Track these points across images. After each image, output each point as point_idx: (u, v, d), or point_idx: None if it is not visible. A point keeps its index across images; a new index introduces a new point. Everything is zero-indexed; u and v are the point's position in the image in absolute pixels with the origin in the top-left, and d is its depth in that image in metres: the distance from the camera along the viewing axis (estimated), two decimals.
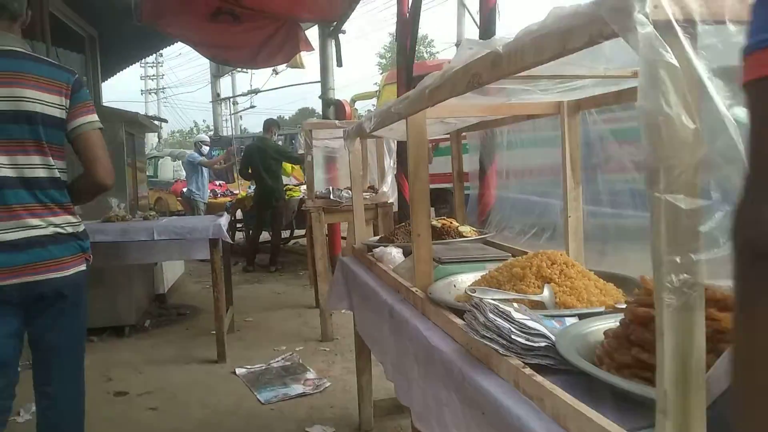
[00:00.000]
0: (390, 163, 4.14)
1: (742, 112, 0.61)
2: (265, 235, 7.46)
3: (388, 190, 4.15)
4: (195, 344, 4.10)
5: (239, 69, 15.90)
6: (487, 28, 2.63)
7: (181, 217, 5.23)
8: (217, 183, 10.70)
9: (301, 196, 7.66)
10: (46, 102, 1.82)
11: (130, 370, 3.59)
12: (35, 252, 1.80)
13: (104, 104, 6.58)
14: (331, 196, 4.46)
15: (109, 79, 8.32)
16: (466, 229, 2.36)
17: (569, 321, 1.18)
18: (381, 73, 32.53)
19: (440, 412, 1.27)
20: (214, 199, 9.24)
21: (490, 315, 1.07)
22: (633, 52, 0.89)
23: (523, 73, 1.00)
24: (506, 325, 1.05)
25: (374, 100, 19.91)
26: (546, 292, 1.30)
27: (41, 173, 1.84)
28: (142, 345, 4.15)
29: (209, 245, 3.69)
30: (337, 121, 4.53)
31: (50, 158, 1.85)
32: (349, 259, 2.62)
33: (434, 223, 2.42)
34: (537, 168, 2.63)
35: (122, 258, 3.95)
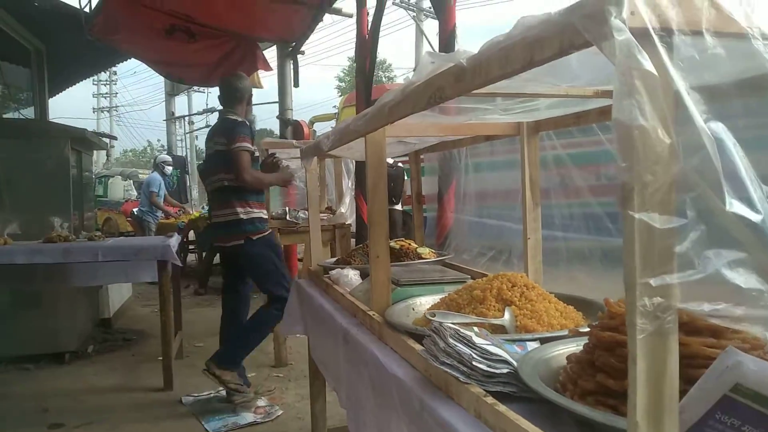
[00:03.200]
0: (348, 183, 4.08)
1: (718, 127, 0.58)
2: (218, 258, 7.25)
3: (347, 211, 4.09)
4: (141, 371, 3.90)
5: (195, 88, 15.64)
6: (446, 51, 2.63)
7: (128, 238, 5.02)
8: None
9: None
10: (220, 143, 3.18)
11: (69, 399, 3.37)
12: (214, 232, 3.32)
13: (51, 120, 6.32)
14: (287, 217, 4.36)
15: (59, 95, 8.04)
16: (425, 250, 2.32)
17: (531, 345, 1.14)
18: (340, 96, 32.76)
19: None
20: (165, 219, 8.94)
21: (450, 340, 1.02)
22: (599, 70, 0.87)
23: (483, 90, 0.97)
24: (467, 351, 1.00)
25: (333, 123, 19.92)
26: (507, 316, 1.26)
27: (218, 185, 3.22)
28: (84, 372, 3.91)
29: (157, 267, 3.54)
30: (294, 141, 4.46)
31: (223, 174, 3.18)
32: (304, 282, 2.53)
33: (392, 244, 2.37)
34: (493, 191, 2.63)
35: (64, 280, 3.74)
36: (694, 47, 0.58)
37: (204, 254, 7.45)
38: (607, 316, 0.95)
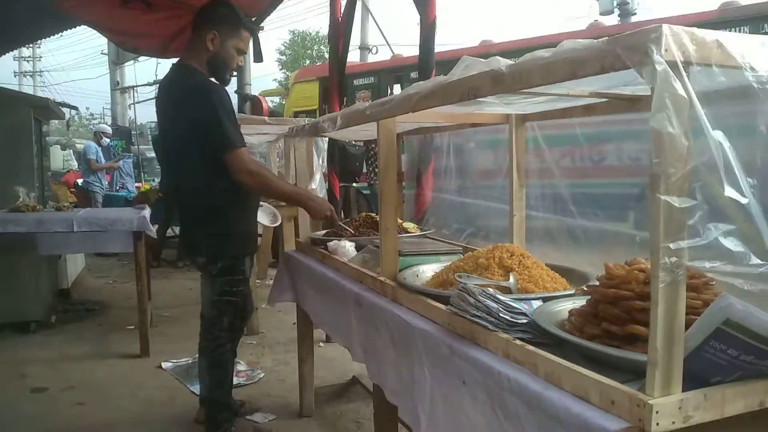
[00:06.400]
0: (318, 161, 4.22)
1: (719, 135, 0.81)
2: (170, 231, 7.22)
3: (317, 187, 4.23)
4: (112, 339, 3.95)
5: (147, 57, 14.96)
6: (427, 40, 2.81)
7: (100, 209, 4.99)
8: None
9: None
10: None
11: (46, 366, 3.40)
12: None
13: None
14: None
15: None
16: (410, 225, 2.53)
17: (535, 303, 1.37)
18: (281, 70, 32.22)
19: (418, 388, 1.41)
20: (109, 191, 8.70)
21: (480, 297, 1.23)
22: (609, 79, 1.09)
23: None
24: (494, 305, 1.22)
25: (279, 98, 19.63)
26: (512, 279, 1.49)
27: None
28: (53, 341, 3.92)
29: (133, 238, 3.59)
30: (267, 118, 4.53)
31: None
32: (294, 253, 2.70)
33: (377, 218, 2.57)
34: (472, 171, 2.86)
35: (37, 249, 3.71)
36: (705, 75, 0.81)
37: (157, 227, 7.36)
38: (606, 278, 1.18)
